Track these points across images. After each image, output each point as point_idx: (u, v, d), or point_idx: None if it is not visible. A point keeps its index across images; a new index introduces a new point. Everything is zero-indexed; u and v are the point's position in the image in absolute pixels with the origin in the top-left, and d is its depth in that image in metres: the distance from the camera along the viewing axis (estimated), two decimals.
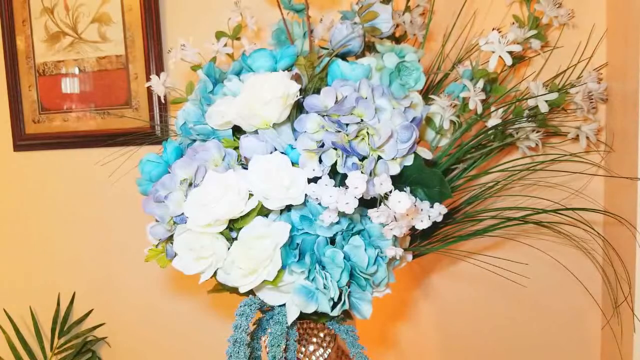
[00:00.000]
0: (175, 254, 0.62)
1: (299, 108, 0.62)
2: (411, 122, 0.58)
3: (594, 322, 0.97)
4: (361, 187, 0.53)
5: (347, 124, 0.57)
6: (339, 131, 0.57)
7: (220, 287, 0.65)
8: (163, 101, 1.06)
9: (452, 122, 0.71)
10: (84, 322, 1.21)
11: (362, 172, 0.55)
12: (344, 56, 0.67)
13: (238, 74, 0.66)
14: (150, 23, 1.09)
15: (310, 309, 0.59)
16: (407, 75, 0.64)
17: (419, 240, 0.74)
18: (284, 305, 0.62)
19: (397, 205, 0.53)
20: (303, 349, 0.71)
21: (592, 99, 0.82)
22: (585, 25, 0.90)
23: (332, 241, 0.60)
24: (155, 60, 1.10)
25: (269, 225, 0.59)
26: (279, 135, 0.60)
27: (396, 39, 0.81)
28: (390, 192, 0.54)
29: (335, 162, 0.58)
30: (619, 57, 0.85)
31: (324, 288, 0.58)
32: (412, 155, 0.61)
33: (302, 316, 0.62)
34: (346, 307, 0.60)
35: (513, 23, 0.78)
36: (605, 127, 0.90)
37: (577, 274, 0.90)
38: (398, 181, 0.61)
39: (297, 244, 0.59)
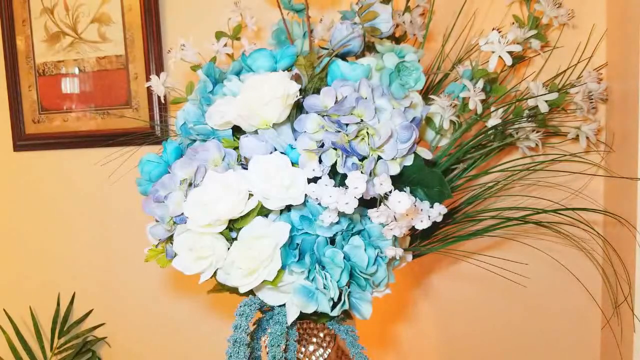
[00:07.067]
0: (175, 254, 0.62)
1: (298, 108, 0.62)
2: (411, 122, 0.58)
3: (594, 322, 0.97)
4: (361, 187, 0.53)
5: (347, 124, 0.57)
6: (339, 131, 0.57)
7: (220, 287, 0.65)
8: (163, 101, 1.06)
9: (452, 122, 0.70)
10: (84, 322, 1.21)
11: (362, 172, 0.55)
12: (343, 56, 0.67)
13: (238, 74, 0.66)
14: (150, 23, 1.09)
15: (310, 309, 0.59)
16: (407, 75, 0.64)
17: (419, 241, 0.74)
18: (284, 305, 0.62)
19: (397, 206, 0.53)
20: (303, 349, 0.71)
21: (592, 99, 0.82)
22: (585, 25, 0.90)
23: (332, 241, 0.60)
24: (155, 60, 1.10)
25: (268, 225, 0.59)
26: (279, 135, 0.60)
27: (396, 39, 0.81)
28: (390, 192, 0.54)
29: (335, 162, 0.58)
30: (618, 57, 0.85)
31: (324, 288, 0.58)
32: (412, 155, 0.61)
33: (302, 316, 0.62)
34: (346, 307, 0.60)
35: (513, 23, 0.78)
36: (605, 127, 0.90)
37: (577, 274, 0.90)
38: (398, 181, 0.61)
39: (297, 244, 0.59)
